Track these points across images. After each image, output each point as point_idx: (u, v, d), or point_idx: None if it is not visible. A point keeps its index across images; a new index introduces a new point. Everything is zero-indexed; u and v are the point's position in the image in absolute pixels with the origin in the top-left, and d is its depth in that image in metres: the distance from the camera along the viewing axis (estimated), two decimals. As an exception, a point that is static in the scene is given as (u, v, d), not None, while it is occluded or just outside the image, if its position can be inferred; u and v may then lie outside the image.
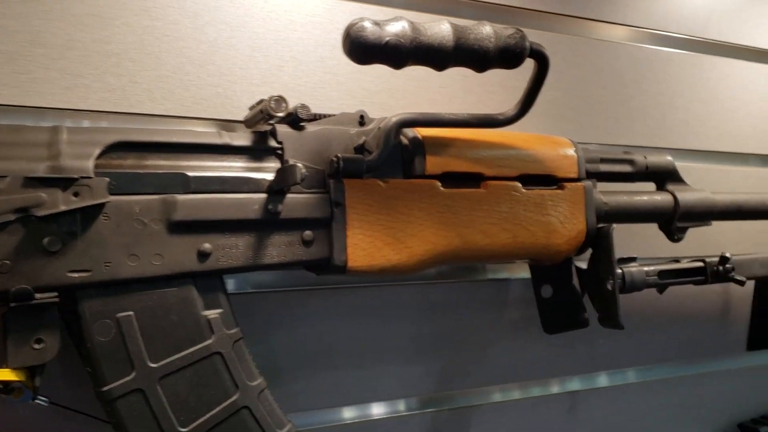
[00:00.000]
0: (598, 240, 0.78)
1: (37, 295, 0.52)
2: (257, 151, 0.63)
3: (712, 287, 1.08)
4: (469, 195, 0.70)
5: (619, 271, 0.81)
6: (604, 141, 0.94)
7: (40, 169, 0.53)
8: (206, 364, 0.58)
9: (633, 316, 1.01)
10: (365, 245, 0.64)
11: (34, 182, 0.52)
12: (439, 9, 0.83)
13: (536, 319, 0.84)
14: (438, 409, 0.87)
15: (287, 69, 0.73)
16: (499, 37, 0.63)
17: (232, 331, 0.59)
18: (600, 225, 0.78)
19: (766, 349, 1.17)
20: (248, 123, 0.65)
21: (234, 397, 0.58)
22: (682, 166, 1.01)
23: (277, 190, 0.61)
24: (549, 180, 0.76)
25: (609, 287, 0.76)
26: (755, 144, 1.09)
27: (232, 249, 0.59)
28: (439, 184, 0.69)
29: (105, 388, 0.54)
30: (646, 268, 0.83)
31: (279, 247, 0.61)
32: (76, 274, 0.53)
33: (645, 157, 0.85)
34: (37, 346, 0.52)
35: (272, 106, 0.61)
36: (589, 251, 0.80)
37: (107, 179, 0.55)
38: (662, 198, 0.85)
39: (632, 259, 0.83)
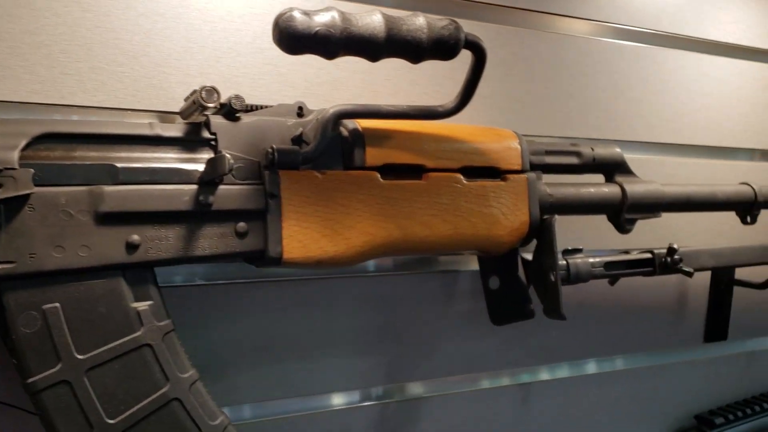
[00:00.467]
0: (541, 231, 0.79)
1: (-40, 287, 0.52)
2: (190, 142, 0.63)
3: (669, 279, 1.10)
4: (409, 186, 0.71)
5: (564, 262, 0.82)
6: (554, 134, 0.95)
7: (-37, 161, 0.53)
8: (135, 356, 0.58)
9: (587, 308, 1.02)
10: (301, 237, 0.65)
11: (-44, 173, 0.53)
12: (386, 1, 0.84)
13: (486, 311, 0.85)
14: (385, 401, 0.88)
15: (225, 60, 0.74)
16: (432, 28, 0.64)
17: (163, 323, 0.60)
18: (546, 216, 0.80)
19: (723, 341, 1.19)
20: (183, 114, 0.66)
21: (164, 389, 0.59)
22: (637, 158, 1.04)
23: (208, 181, 0.61)
24: (492, 172, 0.77)
25: (552, 278, 0.77)
26: (709, 136, 1.11)
27: (162, 241, 0.60)
28: (379, 175, 0.69)
29: (30, 380, 0.54)
30: (591, 260, 0.84)
31: (211, 239, 0.62)
32: (-1, 266, 0.53)
33: (592, 148, 0.86)
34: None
35: (203, 96, 0.62)
36: (535, 243, 0.81)
37: (32, 170, 0.55)
38: (610, 190, 0.86)
39: (578, 251, 0.84)
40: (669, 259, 0.89)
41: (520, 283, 0.83)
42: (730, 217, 0.99)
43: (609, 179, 0.89)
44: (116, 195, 0.58)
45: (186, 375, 0.60)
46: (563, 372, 1.03)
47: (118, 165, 0.59)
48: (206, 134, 0.64)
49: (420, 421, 0.90)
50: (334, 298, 0.82)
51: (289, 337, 0.80)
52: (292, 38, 0.58)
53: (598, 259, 0.85)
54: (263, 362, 0.78)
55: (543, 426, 1.01)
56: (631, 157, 1.01)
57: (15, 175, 0.54)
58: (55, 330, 0.55)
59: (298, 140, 0.66)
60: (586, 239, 1.00)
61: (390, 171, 0.71)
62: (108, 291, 0.58)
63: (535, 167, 0.81)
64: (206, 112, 0.64)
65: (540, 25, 0.94)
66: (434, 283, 0.90)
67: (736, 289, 1.17)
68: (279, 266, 0.64)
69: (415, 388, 0.91)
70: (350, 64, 0.80)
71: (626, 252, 0.91)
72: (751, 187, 0.98)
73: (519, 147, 0.79)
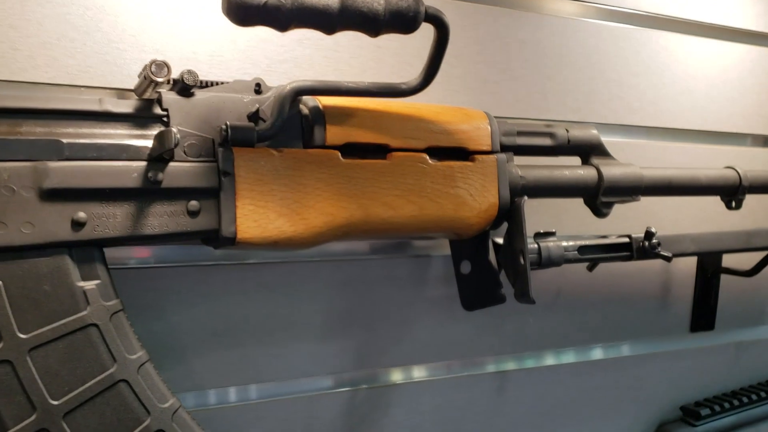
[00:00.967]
0: (512, 214, 0.78)
1: None
2: (141, 118, 0.62)
3: (652, 267, 1.09)
4: (372, 166, 0.71)
5: (535, 245, 0.81)
6: (530, 116, 0.94)
7: None
8: (80, 335, 0.57)
9: (566, 295, 1.02)
10: (257, 216, 0.64)
11: None
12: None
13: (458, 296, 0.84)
14: (355, 388, 0.87)
15: (183, 36, 0.73)
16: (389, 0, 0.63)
17: (110, 303, 0.59)
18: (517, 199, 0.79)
19: (710, 331, 1.18)
20: (137, 91, 0.65)
21: (110, 370, 0.58)
22: (618, 142, 1.03)
23: (158, 158, 0.60)
24: (460, 152, 0.76)
25: (521, 261, 0.77)
26: (693, 119, 1.10)
27: (110, 219, 0.59)
28: (339, 154, 0.69)
29: (-31, 360, 0.54)
30: (564, 243, 0.83)
31: (161, 218, 0.61)
32: (-62, 242, 0.53)
33: (567, 130, 0.85)
34: None
35: (153, 70, 0.61)
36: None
37: (-28, 145, 0.54)
38: (585, 172, 0.86)
39: (550, 234, 0.83)
40: (647, 243, 0.88)
41: (491, 268, 0.83)
42: (717, 203, 0.98)
43: (585, 162, 0.88)
44: (61, 171, 0.57)
45: (134, 356, 0.60)
46: (541, 361, 1.02)
47: (64, 141, 0.58)
48: (158, 110, 0.63)
49: (391, 408, 0.90)
50: (299, 282, 0.82)
51: (251, 322, 0.79)
52: (240, 8, 0.58)
53: (571, 243, 0.84)
54: (224, 347, 0.78)
55: (520, 416, 1.01)
56: (612, 141, 1.00)
57: (-45, 150, 0.54)
58: (-4, 308, 0.55)
59: (254, 117, 0.65)
60: (567, 226, 0.99)
61: (354, 150, 0.70)
62: (53, 269, 0.57)
63: (506, 148, 0.80)
64: (159, 89, 0.63)
65: (516, 3, 0.93)
66: (406, 268, 0.89)
67: (724, 278, 1.17)
68: (234, 247, 0.64)
69: (386, 375, 0.90)
70: (314, 41, 0.79)
71: (603, 237, 0.90)
72: (736, 171, 0.97)
73: (489, 127, 0.78)
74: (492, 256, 0.83)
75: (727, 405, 1.14)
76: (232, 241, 0.63)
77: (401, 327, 0.89)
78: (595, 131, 0.87)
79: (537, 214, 0.96)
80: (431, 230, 0.75)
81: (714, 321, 1.18)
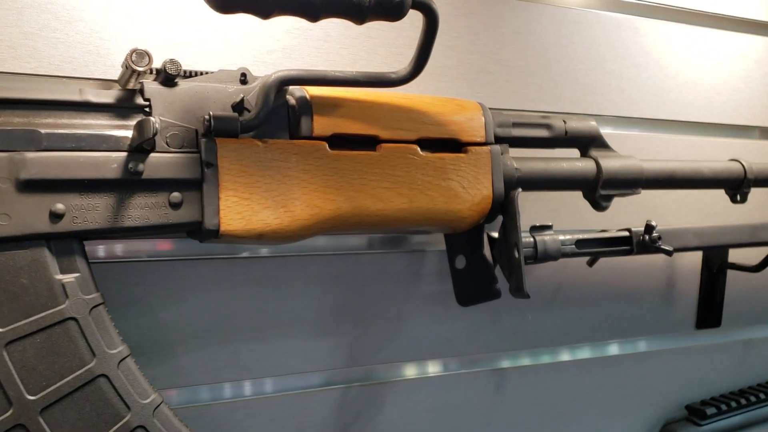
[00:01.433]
0: (506, 207, 0.77)
1: None
2: (122, 109, 0.62)
3: (656, 262, 1.07)
4: (360, 158, 0.70)
5: (531, 239, 0.80)
6: (526, 107, 0.93)
7: None
8: (59, 329, 0.57)
9: (567, 291, 1.00)
10: (240, 208, 0.63)
11: None
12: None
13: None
14: (348, 385, 0.86)
15: (168, 27, 0.72)
16: (374, -15, 0.62)
17: (90, 297, 0.58)
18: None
19: (717, 328, 1.16)
20: (120, 81, 0.64)
21: (90, 365, 0.57)
22: (619, 134, 1.01)
23: (139, 148, 0.60)
24: (453, 144, 0.75)
25: (516, 255, 0.75)
26: (697, 112, 1.08)
27: (90, 210, 0.58)
28: (327, 145, 0.68)
29: (-56, 354, 0.53)
30: (561, 237, 0.82)
31: (143, 210, 0.60)
32: None
33: (565, 121, 0.84)
34: None
35: (133, 59, 0.60)
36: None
37: (-53, 136, 0.54)
38: (583, 165, 0.84)
39: (547, 227, 0.82)
40: (647, 237, 0.86)
41: (486, 262, 0.82)
42: (724, 197, 0.96)
43: (584, 154, 0.86)
44: (38, 162, 0.56)
45: (115, 351, 0.59)
46: (541, 358, 1.01)
47: (42, 131, 0.58)
48: (140, 100, 0.62)
49: (385, 406, 0.89)
50: (290, 277, 0.81)
51: (241, 317, 0.78)
52: (221, -5, 0.57)
53: (568, 237, 0.82)
54: (213, 343, 0.77)
55: (519, 414, 0.99)
56: (612, 133, 0.99)
57: (-69, 141, 0.53)
58: (-29, 301, 0.54)
59: (238, 107, 0.65)
60: (567, 220, 0.98)
61: (342, 142, 0.69)
62: (31, 261, 0.56)
63: (500, 140, 0.79)
64: (142, 79, 0.63)
65: (511, -8, 0.92)
66: (400, 263, 0.88)
67: (731, 274, 1.15)
68: (218, 240, 0.63)
69: (380, 372, 0.89)
70: (303, 31, 0.78)
71: (603, 231, 0.89)
72: (741, 163, 0.95)
73: (482, 118, 0.77)
74: (487, 251, 0.81)
75: (734, 404, 1.12)
76: (215, 234, 0.62)
77: (395, 323, 0.88)
78: (593, 123, 0.86)
79: (535, 208, 0.96)
80: (422, 223, 0.74)
81: (720, 318, 1.16)
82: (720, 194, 0.96)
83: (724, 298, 1.16)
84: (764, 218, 1.15)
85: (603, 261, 0.96)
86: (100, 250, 0.72)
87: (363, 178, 0.70)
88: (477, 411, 0.95)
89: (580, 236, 0.83)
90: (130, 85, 0.63)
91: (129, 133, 0.60)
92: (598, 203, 0.85)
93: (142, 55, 0.60)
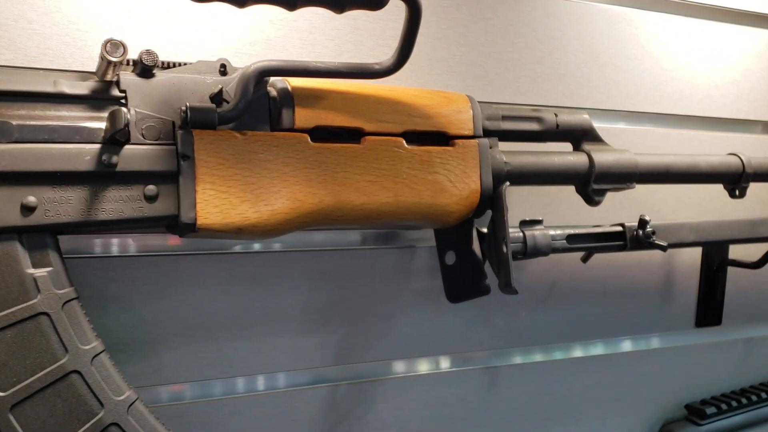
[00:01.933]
0: (495, 201, 0.75)
1: None
2: (97, 100, 0.61)
3: (654, 258, 1.06)
4: (343, 150, 0.68)
5: (520, 234, 0.78)
6: (518, 101, 0.91)
7: None
8: (30, 324, 0.56)
9: (562, 288, 0.98)
10: (218, 202, 0.62)
11: None
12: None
13: (444, 288, 0.81)
14: (336, 384, 0.85)
15: (148, 17, 0.71)
16: (353, -27, 0.60)
17: (63, 291, 0.57)
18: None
19: (717, 326, 1.14)
20: (98, 72, 0.63)
21: (62, 361, 0.56)
22: (614, 128, 0.99)
23: (112, 140, 0.58)
24: (440, 137, 0.74)
25: (504, 250, 0.73)
26: (696, 105, 1.06)
27: (63, 203, 0.57)
28: (308, 137, 0.66)
29: None
30: (552, 232, 0.80)
31: (117, 203, 0.59)
32: None
33: (556, 114, 0.82)
34: None
35: (108, 50, 0.59)
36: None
37: None
38: (575, 158, 0.82)
39: (537, 222, 0.80)
40: (641, 232, 0.84)
41: (476, 258, 0.80)
42: (724, 193, 0.94)
43: (576, 148, 0.85)
44: (9, 154, 0.55)
45: (88, 347, 0.57)
46: (534, 356, 0.99)
47: (14, 123, 0.56)
48: (115, 92, 0.61)
49: (375, 404, 0.87)
50: (276, 273, 0.79)
51: (225, 314, 0.77)
52: (193, -18, 0.55)
53: (559, 232, 0.80)
54: (197, 340, 0.76)
55: (513, 413, 0.97)
56: (608, 127, 0.98)
57: None
58: (-60, 296, 0.53)
59: (217, 98, 0.63)
60: (562, 216, 0.96)
61: (326, 134, 0.68)
62: (1, 255, 0.55)
63: (489, 133, 0.77)
64: (119, 70, 0.61)
65: (502, -16, 0.90)
66: (389, 260, 0.86)
67: (732, 271, 1.13)
68: (195, 233, 0.62)
69: (369, 370, 0.87)
70: (287, 22, 0.77)
71: (597, 227, 0.87)
72: (740, 157, 0.93)
73: (470, 111, 0.75)
74: (476, 246, 0.80)
75: (734, 404, 1.10)
76: (192, 228, 0.61)
77: (385, 320, 0.87)
78: (586, 116, 0.84)
79: (528, 203, 0.94)
80: (408, 218, 0.72)
81: (721, 316, 1.14)
82: (721, 190, 0.94)
83: (724, 296, 1.13)
84: (765, 213, 1.13)
85: (599, 257, 0.94)
86: (81, 244, 0.71)
87: (346, 171, 0.68)
88: (469, 409, 0.94)
89: (572, 231, 0.81)
90: (108, 77, 0.62)
91: (103, 125, 0.59)
92: (591, 198, 0.84)
93: (116, 45, 0.59)
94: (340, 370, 0.85)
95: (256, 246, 0.78)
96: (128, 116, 0.56)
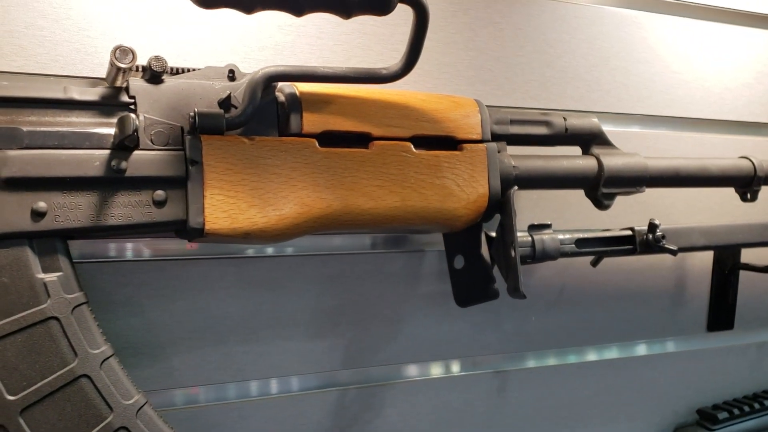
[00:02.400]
0: (503, 205, 0.75)
1: None
2: (107, 106, 0.61)
3: (665, 262, 1.05)
4: (351, 155, 0.68)
5: (529, 238, 0.78)
6: (527, 105, 0.91)
7: None
8: (40, 329, 0.56)
9: (570, 292, 0.98)
10: (226, 207, 0.62)
11: None
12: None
13: (453, 293, 0.81)
14: (344, 388, 0.85)
15: (157, 23, 0.72)
16: (359, -22, 0.61)
17: (73, 296, 0.58)
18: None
19: (729, 330, 1.13)
20: (108, 79, 0.64)
21: (71, 365, 0.56)
22: (623, 132, 0.99)
23: (121, 146, 0.59)
24: (448, 142, 0.74)
25: (512, 254, 0.73)
26: (707, 108, 1.05)
27: (72, 209, 0.58)
28: (316, 142, 0.67)
29: (-76, 353, 0.53)
30: (561, 236, 0.80)
31: (126, 208, 0.60)
32: None
33: (565, 118, 0.82)
34: None
35: (117, 56, 0.60)
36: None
37: (-73, 134, 0.54)
38: (585, 162, 0.82)
39: (546, 226, 0.80)
40: (651, 236, 0.84)
41: (484, 262, 0.80)
42: (735, 196, 0.94)
43: (586, 151, 0.84)
44: (20, 159, 0.56)
45: (97, 351, 0.58)
46: (545, 360, 0.99)
47: (24, 129, 0.57)
48: (125, 98, 0.62)
49: (384, 409, 0.87)
50: (284, 277, 0.79)
51: (234, 318, 0.77)
52: (201, -11, 0.56)
53: (567, 236, 0.80)
54: (205, 344, 0.76)
55: (523, 418, 0.97)
56: (618, 131, 0.98)
57: None
58: (-49, 300, 0.54)
59: (225, 104, 0.63)
60: (572, 220, 0.96)
61: (334, 139, 0.68)
62: (12, 260, 0.56)
63: (498, 137, 0.77)
64: (129, 76, 0.62)
65: (510, -13, 0.90)
66: (398, 264, 0.86)
67: (745, 275, 1.12)
68: (204, 239, 0.62)
69: (378, 374, 0.87)
70: (295, 27, 0.77)
71: (606, 230, 0.87)
72: (751, 160, 0.92)
73: (479, 115, 0.75)
74: (485, 250, 0.80)
75: (747, 408, 1.09)
76: (200, 233, 0.61)
77: (394, 324, 0.87)
78: (595, 119, 0.84)
79: (538, 207, 0.94)
80: (416, 222, 0.72)
81: (733, 320, 1.13)
82: (733, 193, 0.93)
83: (736, 300, 1.13)
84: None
85: (609, 261, 0.93)
86: (91, 249, 0.71)
87: (354, 176, 0.68)
88: (479, 414, 0.94)
89: (581, 235, 0.81)
90: (118, 83, 0.63)
91: (112, 131, 0.60)
92: (601, 202, 0.83)
93: (125, 52, 0.60)
94: (349, 373, 0.85)
95: (267, 250, 0.79)
96: (137, 122, 0.57)
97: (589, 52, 0.95)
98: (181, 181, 0.61)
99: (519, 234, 0.79)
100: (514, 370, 0.96)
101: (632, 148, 0.85)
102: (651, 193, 0.97)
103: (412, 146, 0.71)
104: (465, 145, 0.74)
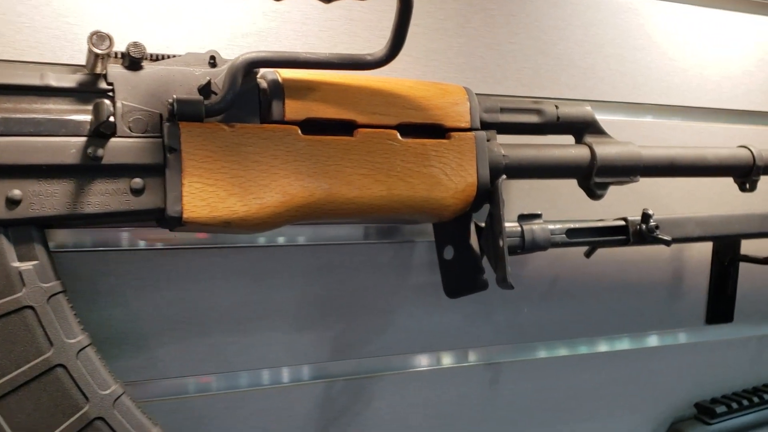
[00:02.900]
0: (492, 194, 0.74)
1: None
2: (84, 93, 0.61)
3: (662, 254, 1.04)
4: (335, 143, 0.67)
5: (518, 228, 0.77)
6: (520, 93, 0.90)
7: None
8: (15, 318, 0.56)
9: (564, 284, 0.97)
10: (205, 195, 0.62)
11: None
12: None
13: (443, 284, 0.81)
14: (332, 379, 0.84)
15: (138, 10, 0.71)
16: (340, -38, 0.60)
17: (49, 285, 0.57)
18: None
19: (729, 323, 1.12)
20: (87, 65, 0.63)
21: (47, 355, 0.56)
22: (619, 120, 0.98)
23: (98, 133, 0.58)
24: (436, 130, 0.73)
25: (500, 244, 0.72)
26: (706, 97, 1.04)
27: (48, 197, 0.57)
28: (299, 130, 0.66)
29: None
30: (551, 226, 0.79)
31: (103, 196, 0.59)
32: None
33: (557, 106, 0.81)
34: None
35: (94, 42, 0.59)
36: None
37: None
38: (577, 151, 0.81)
39: (536, 216, 0.79)
40: (644, 226, 0.83)
41: (473, 252, 0.79)
42: (735, 186, 0.92)
43: (579, 140, 0.83)
44: (-6, 147, 0.55)
45: (74, 340, 0.58)
46: (538, 352, 0.98)
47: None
48: (103, 85, 0.61)
49: (373, 401, 0.87)
50: (271, 268, 0.79)
51: (219, 309, 0.77)
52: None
53: (558, 226, 0.79)
54: (191, 335, 0.76)
55: (516, 410, 0.96)
56: (613, 120, 0.96)
57: None
58: (-76, 289, 0.53)
59: (205, 90, 0.63)
60: (566, 211, 0.94)
61: (318, 127, 0.67)
62: (-14, 249, 0.55)
63: (487, 126, 0.76)
64: (107, 63, 0.61)
65: (502, -26, 0.89)
66: (388, 254, 0.86)
67: (745, 266, 1.11)
68: (182, 227, 0.61)
69: (367, 366, 0.87)
70: (280, 14, 0.76)
71: (600, 221, 0.85)
72: (750, 150, 0.91)
73: (467, 103, 0.75)
74: (475, 241, 0.79)
75: (745, 402, 1.08)
76: (178, 221, 0.61)
77: (384, 315, 0.86)
78: (588, 108, 0.83)
79: (530, 197, 0.93)
80: (403, 212, 0.72)
81: (732, 312, 1.12)
82: (733, 183, 0.92)
83: (736, 292, 1.11)
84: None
85: (604, 253, 0.92)
86: (74, 238, 0.71)
87: (338, 164, 0.67)
88: (471, 406, 0.93)
89: (572, 225, 0.80)
90: (98, 70, 0.62)
91: (89, 118, 0.59)
92: (593, 191, 0.82)
93: (102, 37, 0.59)
94: (338, 365, 0.85)
95: (259, 240, 0.78)
96: (111, 108, 0.56)
97: (583, 39, 0.93)
98: (160, 168, 0.60)
99: (509, 224, 0.78)
100: (507, 362, 0.95)
101: (628, 137, 0.83)
102: (649, 184, 0.97)
103: (398, 134, 0.70)
104: (453, 134, 0.73)
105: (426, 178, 0.71)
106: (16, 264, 0.56)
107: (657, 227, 0.83)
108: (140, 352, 0.73)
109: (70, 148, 0.58)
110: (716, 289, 1.10)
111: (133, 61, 0.62)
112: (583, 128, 0.82)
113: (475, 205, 0.75)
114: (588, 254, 0.91)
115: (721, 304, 1.11)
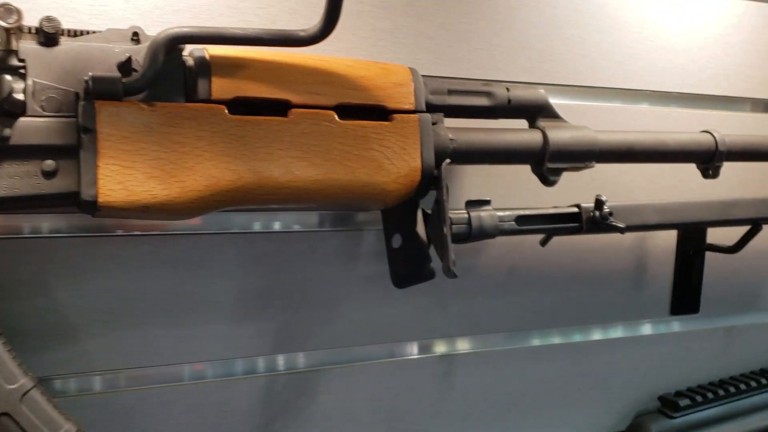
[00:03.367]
0: (437, 180, 0.72)
1: None
2: (-7, 70, 0.57)
3: (624, 242, 1.02)
4: (266, 123, 0.65)
5: (465, 215, 0.75)
6: (473, 75, 0.87)
7: None
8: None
9: (522, 273, 0.95)
10: (122, 178, 0.59)
11: None
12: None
13: (392, 273, 0.78)
14: (274, 373, 0.82)
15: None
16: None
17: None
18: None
19: (694, 314, 1.10)
20: (1, 41, 0.60)
21: (-13, 405, 0.53)
22: (581, 105, 0.95)
23: (3, 112, 0.55)
24: (378, 111, 0.70)
25: (444, 231, 0.70)
26: (671, 81, 1.01)
27: (-50, 180, 0.54)
28: (225, 109, 0.63)
29: None
30: (500, 213, 0.76)
31: (12, 179, 0.56)
32: None
33: (508, 89, 0.78)
34: None
35: (0, 15, 0.56)
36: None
37: None
38: (529, 136, 0.79)
39: (484, 202, 0.77)
40: (597, 213, 0.81)
41: (420, 240, 0.76)
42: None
43: (532, 125, 0.81)
44: None
45: (14, 386, 0.55)
46: (494, 344, 0.95)
47: None
48: (14, 61, 0.58)
49: (318, 395, 0.84)
50: (205, 257, 0.76)
51: (150, 300, 0.74)
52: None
53: (507, 213, 0.77)
54: (120, 327, 0.73)
55: (471, 404, 0.94)
56: (573, 104, 0.94)
57: None
58: None
59: (124, 68, 0.60)
60: (525, 199, 0.92)
61: (250, 107, 0.64)
62: None
63: (434, 108, 0.74)
64: (20, 38, 0.58)
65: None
66: (333, 243, 0.83)
67: (713, 257, 1.09)
68: (97, 212, 0.59)
69: (312, 359, 0.84)
70: (215, -11, 0.73)
71: (553, 208, 0.83)
72: (712, 134, 0.89)
73: (412, 84, 0.72)
74: (421, 228, 0.76)
75: (710, 395, 1.06)
76: (93, 206, 0.58)
77: (329, 307, 0.83)
78: (541, 91, 0.80)
79: (487, 184, 0.90)
80: (342, 197, 0.69)
81: (698, 303, 1.10)
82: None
83: (702, 282, 1.10)
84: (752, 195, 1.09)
85: (563, 241, 0.90)
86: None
87: (270, 146, 0.65)
88: (422, 400, 0.91)
89: (521, 212, 0.78)
90: (13, 46, 0.59)
91: (-4, 97, 0.56)
92: (546, 177, 0.80)
93: (10, 11, 0.56)
94: (279, 359, 0.82)
95: (183, 227, 0.75)
96: (12, 84, 0.54)
97: (541, 20, 0.91)
98: (74, 150, 0.57)
99: (456, 211, 0.76)
100: (461, 354, 0.93)
101: (589, 123, 0.81)
102: (611, 171, 0.95)
103: (335, 115, 0.67)
104: (396, 116, 0.70)
105: (366, 162, 0.69)
106: None
107: (611, 214, 0.81)
108: (67, 344, 0.70)
109: (-27, 128, 0.55)
110: (681, 278, 1.08)
111: (47, 36, 0.59)
112: (536, 112, 0.80)
113: (420, 190, 0.73)
114: (543, 242, 0.89)
115: (686, 295, 1.09)
